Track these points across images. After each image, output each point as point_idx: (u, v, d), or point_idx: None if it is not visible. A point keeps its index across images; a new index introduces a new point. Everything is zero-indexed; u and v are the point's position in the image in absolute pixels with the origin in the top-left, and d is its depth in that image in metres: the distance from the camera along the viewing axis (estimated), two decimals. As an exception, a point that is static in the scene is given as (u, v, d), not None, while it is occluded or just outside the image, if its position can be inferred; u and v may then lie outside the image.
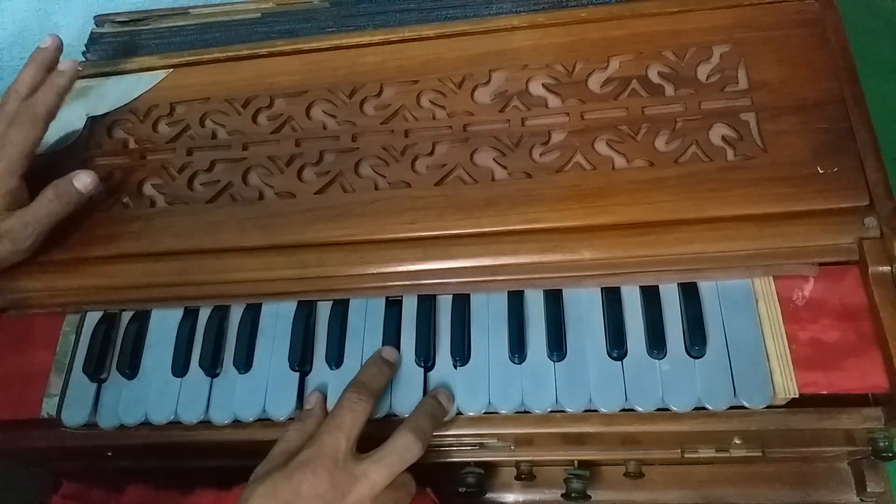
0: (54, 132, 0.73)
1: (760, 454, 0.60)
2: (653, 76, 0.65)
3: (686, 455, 0.63)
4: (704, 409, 0.55)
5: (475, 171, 0.64)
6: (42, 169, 0.69)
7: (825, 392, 0.54)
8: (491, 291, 0.62)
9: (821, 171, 0.58)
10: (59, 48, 0.70)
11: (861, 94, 0.61)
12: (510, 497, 0.71)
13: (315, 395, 0.60)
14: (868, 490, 0.66)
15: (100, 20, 0.83)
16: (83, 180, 0.65)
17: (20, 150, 0.64)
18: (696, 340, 0.57)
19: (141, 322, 0.66)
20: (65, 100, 0.69)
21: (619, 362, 0.58)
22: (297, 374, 0.61)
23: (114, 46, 0.80)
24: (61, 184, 0.64)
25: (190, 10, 0.81)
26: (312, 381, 0.61)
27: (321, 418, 0.58)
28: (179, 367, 0.63)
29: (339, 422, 0.54)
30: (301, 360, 0.62)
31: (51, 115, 0.67)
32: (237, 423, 0.61)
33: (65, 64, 0.69)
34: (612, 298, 0.60)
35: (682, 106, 0.63)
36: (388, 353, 0.60)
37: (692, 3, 0.67)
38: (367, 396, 0.55)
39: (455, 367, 0.60)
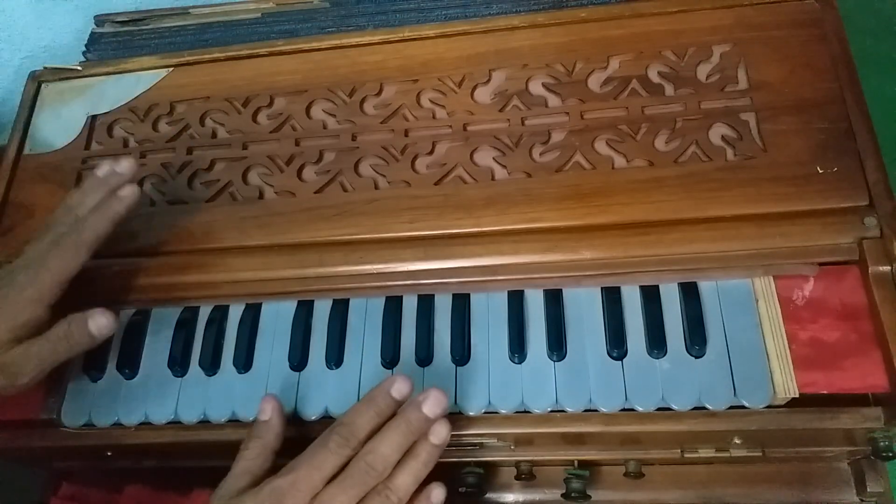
0: (54, 131, 0.73)
1: (760, 454, 0.60)
2: (653, 76, 0.65)
3: (686, 455, 0.63)
4: (704, 408, 0.55)
5: (475, 170, 0.64)
6: (41, 168, 0.69)
7: (825, 392, 0.54)
8: (491, 291, 0.62)
9: (820, 171, 0.58)
10: (132, 175, 0.62)
11: (861, 94, 0.61)
12: (510, 497, 0.71)
13: (270, 403, 0.56)
14: (868, 490, 0.65)
15: (100, 20, 0.83)
16: (98, 322, 0.56)
17: (56, 277, 0.57)
18: (696, 340, 0.57)
19: (140, 321, 0.66)
20: (70, 105, 0.69)
21: (619, 362, 0.58)
22: (297, 373, 0.61)
23: (114, 46, 0.80)
24: (75, 322, 0.56)
25: (190, 10, 0.81)
26: (312, 381, 0.61)
27: (279, 429, 0.56)
28: (179, 367, 0.63)
29: (319, 463, 0.51)
30: (301, 360, 0.62)
31: (98, 242, 0.58)
32: (237, 423, 0.61)
33: (126, 189, 0.60)
34: (612, 298, 0.60)
35: (682, 106, 0.63)
36: (401, 386, 0.53)
37: (692, 3, 0.67)
38: (354, 444, 0.52)
39: (455, 367, 0.60)
